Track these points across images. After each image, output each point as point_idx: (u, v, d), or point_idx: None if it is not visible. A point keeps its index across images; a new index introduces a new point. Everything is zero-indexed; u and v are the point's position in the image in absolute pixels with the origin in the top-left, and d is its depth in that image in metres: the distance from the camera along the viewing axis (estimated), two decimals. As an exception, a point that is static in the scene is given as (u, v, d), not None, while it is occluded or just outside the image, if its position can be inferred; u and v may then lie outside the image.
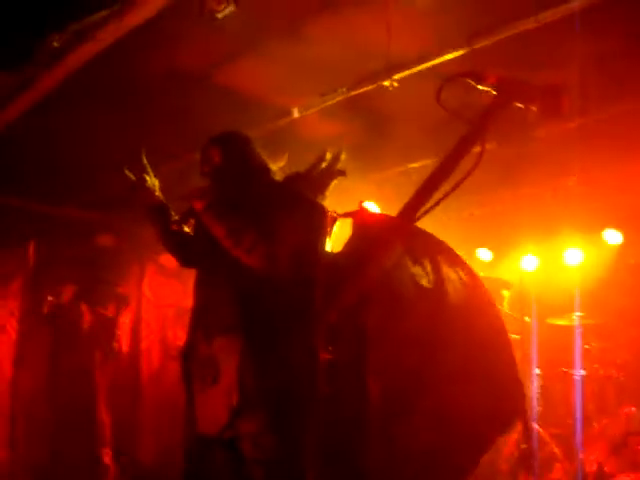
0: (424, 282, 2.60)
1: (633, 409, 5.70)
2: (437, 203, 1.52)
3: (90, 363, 6.06)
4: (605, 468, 5.34)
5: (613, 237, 6.92)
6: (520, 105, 1.55)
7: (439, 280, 2.61)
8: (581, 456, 5.31)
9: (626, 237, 6.89)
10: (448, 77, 1.67)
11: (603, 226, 6.93)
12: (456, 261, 2.66)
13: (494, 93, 1.55)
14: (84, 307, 6.10)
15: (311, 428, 1.68)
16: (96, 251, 6.59)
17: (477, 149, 1.60)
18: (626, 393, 6.03)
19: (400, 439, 2.53)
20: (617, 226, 6.92)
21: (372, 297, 2.04)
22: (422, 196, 1.60)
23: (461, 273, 2.64)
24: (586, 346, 6.16)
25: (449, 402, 2.53)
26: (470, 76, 1.62)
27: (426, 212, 1.54)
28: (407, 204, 1.63)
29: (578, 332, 6.04)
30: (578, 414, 5.66)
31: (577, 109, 4.91)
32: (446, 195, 1.49)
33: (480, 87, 1.59)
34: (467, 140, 1.50)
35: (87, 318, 6.07)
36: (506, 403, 2.57)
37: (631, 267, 6.70)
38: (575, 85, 4.60)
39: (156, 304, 7.17)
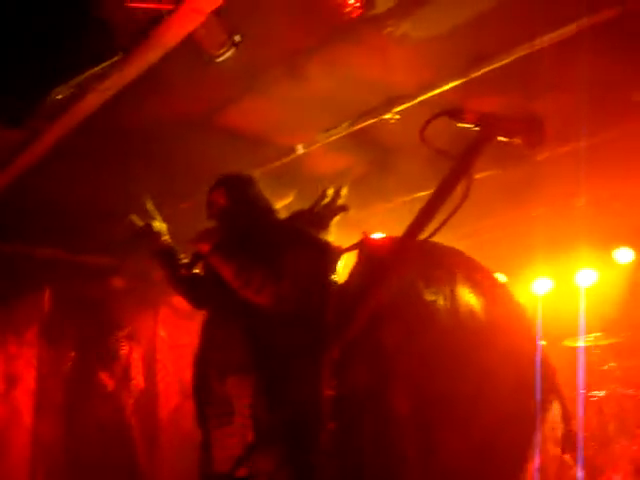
0: (439, 301, 2.61)
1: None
2: (430, 235, 1.56)
3: (109, 412, 6.06)
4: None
5: (625, 255, 6.90)
6: (503, 139, 1.58)
7: (454, 297, 2.61)
8: (601, 478, 5.25)
9: (638, 254, 6.87)
10: (429, 117, 1.71)
11: (614, 245, 6.92)
12: (476, 275, 2.65)
13: (476, 129, 1.59)
14: (93, 361, 6.11)
15: (322, 463, 1.68)
16: (110, 295, 6.63)
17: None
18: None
19: (437, 456, 2.53)
20: (629, 244, 6.90)
21: (383, 322, 2.06)
22: (419, 225, 1.64)
23: (481, 286, 2.64)
24: (605, 367, 6.11)
25: (479, 414, 2.52)
26: (451, 114, 1.67)
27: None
28: (406, 231, 1.68)
29: (595, 353, 6.00)
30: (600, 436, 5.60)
31: (582, 131, 4.95)
32: (436, 230, 1.53)
33: (461, 125, 1.63)
34: (452, 177, 1.54)
35: (101, 372, 6.08)
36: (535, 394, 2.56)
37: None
38: (578, 107, 4.65)
39: (171, 345, 7.19)
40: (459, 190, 1.67)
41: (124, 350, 6.40)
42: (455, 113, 1.67)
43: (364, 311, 1.70)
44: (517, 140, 1.62)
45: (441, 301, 2.58)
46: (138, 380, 6.42)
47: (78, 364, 6.14)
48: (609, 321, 6.32)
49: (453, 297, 2.63)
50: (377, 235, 3.00)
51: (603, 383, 5.97)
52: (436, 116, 1.70)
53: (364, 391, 2.36)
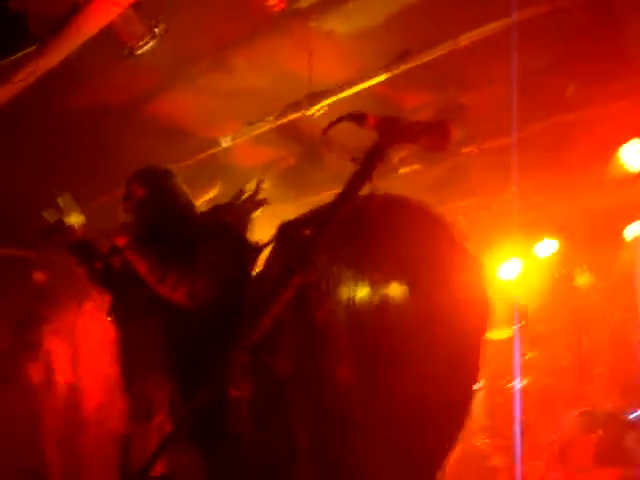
0: (358, 294, 2.59)
1: (572, 416, 5.82)
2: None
3: (31, 405, 5.93)
4: (550, 475, 5.44)
5: (547, 247, 7.05)
6: (403, 144, 1.61)
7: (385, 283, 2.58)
8: (523, 466, 5.39)
9: (560, 247, 7.04)
10: (335, 119, 1.72)
11: (538, 237, 7.07)
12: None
13: (377, 134, 1.61)
14: (17, 354, 5.97)
15: (236, 465, 1.69)
16: (31, 289, 6.47)
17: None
18: (565, 400, 6.16)
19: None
20: (551, 236, 7.06)
21: (286, 332, 2.06)
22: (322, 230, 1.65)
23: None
24: (526, 357, 6.27)
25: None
26: (354, 119, 1.68)
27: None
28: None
29: (517, 344, 6.14)
30: (519, 424, 5.75)
31: (509, 125, 5.05)
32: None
33: (363, 129, 1.65)
34: (355, 180, 1.56)
35: (24, 361, 5.94)
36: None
37: (563, 277, 6.84)
38: (504, 103, 4.74)
39: (95, 340, 7.07)
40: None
41: (49, 344, 6.26)
42: (358, 117, 1.69)
43: (273, 308, 1.70)
44: (419, 144, 1.64)
45: (369, 287, 2.55)
46: (62, 375, 6.30)
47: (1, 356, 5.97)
48: (531, 312, 6.49)
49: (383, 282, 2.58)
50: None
51: (524, 373, 6.11)
52: (339, 120, 1.71)
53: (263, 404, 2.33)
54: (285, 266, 1.99)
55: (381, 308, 2.51)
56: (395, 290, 2.53)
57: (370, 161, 1.57)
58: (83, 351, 6.97)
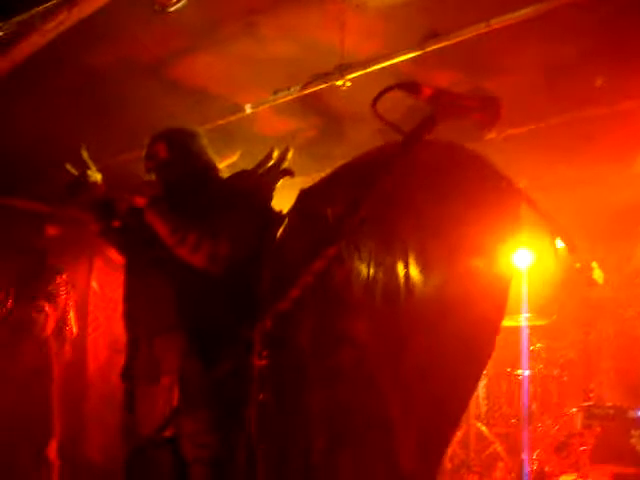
0: (372, 275, 2.58)
1: (574, 410, 5.82)
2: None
3: (41, 357, 5.94)
4: (547, 468, 5.45)
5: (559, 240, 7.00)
6: (457, 117, 1.56)
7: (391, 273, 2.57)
8: (524, 455, 5.40)
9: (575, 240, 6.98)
10: (384, 88, 1.67)
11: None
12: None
13: (431, 105, 1.56)
14: (30, 304, 5.97)
15: (250, 430, 1.67)
16: (45, 241, 6.47)
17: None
18: (569, 393, 6.16)
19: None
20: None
21: (307, 302, 2.04)
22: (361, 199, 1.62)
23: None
24: (531, 347, 6.25)
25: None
26: (407, 88, 1.62)
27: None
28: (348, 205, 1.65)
29: (525, 333, 6.12)
30: (522, 413, 5.75)
31: (533, 114, 4.99)
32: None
33: (416, 99, 1.60)
34: (399, 152, 1.51)
35: (34, 314, 5.94)
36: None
37: (577, 270, 6.80)
38: (531, 91, 4.68)
39: (103, 297, 7.09)
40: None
41: (62, 295, 6.25)
42: (411, 87, 1.63)
43: (301, 281, 1.67)
44: (472, 118, 1.59)
45: (374, 279, 2.54)
46: (72, 327, 6.30)
47: (14, 306, 5.97)
48: (540, 303, 6.45)
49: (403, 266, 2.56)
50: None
51: (529, 363, 6.10)
52: (390, 88, 1.65)
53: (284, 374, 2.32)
54: (314, 237, 1.97)
55: (404, 281, 2.50)
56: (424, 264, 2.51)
57: (418, 133, 1.52)
58: (92, 307, 7.01)
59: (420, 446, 2.54)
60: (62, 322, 6.16)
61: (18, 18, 3.26)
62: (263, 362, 1.67)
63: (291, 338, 2.38)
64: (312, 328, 2.46)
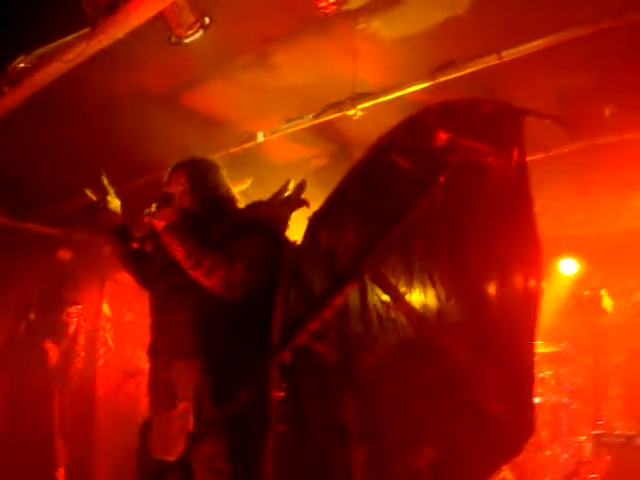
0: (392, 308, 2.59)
1: (584, 437, 5.80)
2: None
3: (49, 385, 5.95)
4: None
5: (569, 267, 7.05)
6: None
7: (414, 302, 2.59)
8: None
9: (582, 267, 7.03)
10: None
11: (561, 255, 7.06)
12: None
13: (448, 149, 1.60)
14: (42, 333, 6.00)
15: (266, 457, 1.69)
16: (56, 267, 6.51)
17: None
18: (579, 421, 6.14)
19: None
20: (574, 256, 7.05)
21: (330, 334, 2.07)
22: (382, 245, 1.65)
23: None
24: (540, 374, 6.25)
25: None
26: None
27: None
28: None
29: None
30: (532, 441, 5.72)
31: (545, 142, 5.03)
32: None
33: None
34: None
35: (44, 346, 5.96)
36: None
37: (586, 297, 6.81)
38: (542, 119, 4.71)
39: (115, 322, 7.10)
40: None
41: (73, 325, 6.28)
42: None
43: (312, 322, 1.70)
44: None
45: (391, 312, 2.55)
46: (81, 355, 6.33)
47: (22, 333, 6.00)
48: (548, 330, 6.46)
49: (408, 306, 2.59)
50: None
51: (538, 390, 6.09)
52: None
53: (316, 394, 2.33)
54: (330, 270, 1.99)
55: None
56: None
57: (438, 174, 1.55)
58: (103, 331, 7.02)
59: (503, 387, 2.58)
60: (72, 350, 6.19)
61: (41, 50, 3.34)
62: (282, 394, 1.69)
63: (320, 357, 2.37)
64: (340, 347, 2.47)
